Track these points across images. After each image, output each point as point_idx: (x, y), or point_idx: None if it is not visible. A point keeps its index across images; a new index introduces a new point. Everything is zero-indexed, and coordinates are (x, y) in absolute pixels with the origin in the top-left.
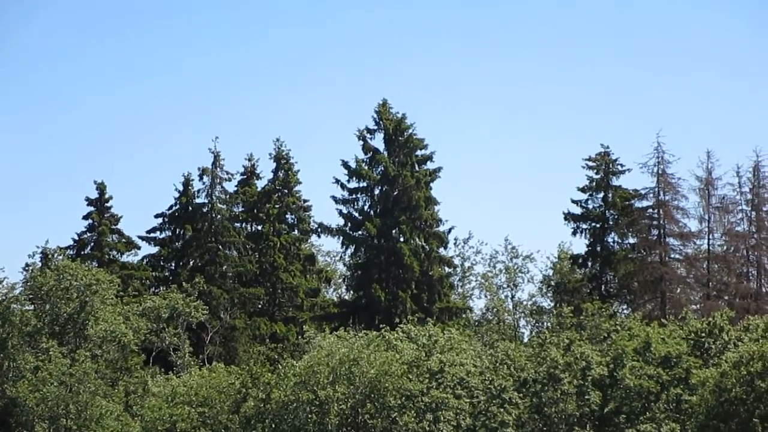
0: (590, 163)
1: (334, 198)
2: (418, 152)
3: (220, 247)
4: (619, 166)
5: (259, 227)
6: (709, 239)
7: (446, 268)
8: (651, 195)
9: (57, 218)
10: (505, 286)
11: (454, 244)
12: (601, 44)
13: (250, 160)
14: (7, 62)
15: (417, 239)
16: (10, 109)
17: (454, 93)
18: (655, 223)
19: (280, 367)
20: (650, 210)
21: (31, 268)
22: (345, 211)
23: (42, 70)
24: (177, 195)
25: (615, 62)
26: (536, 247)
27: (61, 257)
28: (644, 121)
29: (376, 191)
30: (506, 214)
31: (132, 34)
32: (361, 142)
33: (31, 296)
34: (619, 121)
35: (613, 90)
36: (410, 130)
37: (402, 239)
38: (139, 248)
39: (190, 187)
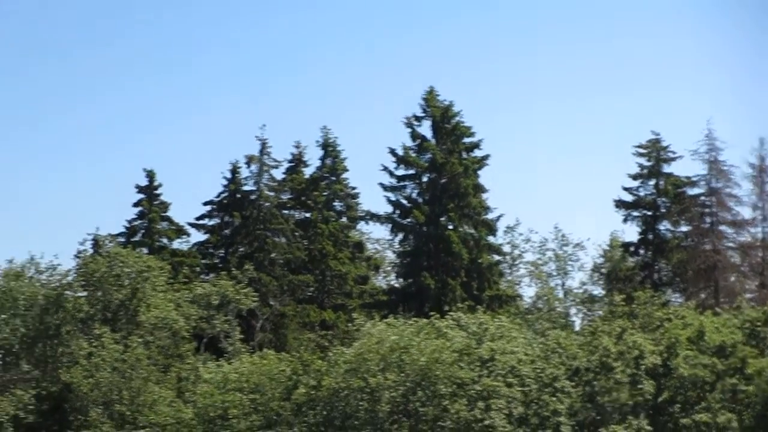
0: (641, 150)
1: (382, 185)
2: (466, 139)
3: (269, 234)
4: (670, 153)
5: (307, 214)
6: (763, 227)
7: (495, 256)
8: (703, 182)
9: (108, 205)
10: (555, 274)
11: (504, 231)
12: (651, 29)
13: (297, 147)
14: (54, 47)
15: (466, 227)
16: (59, 95)
17: (502, 79)
18: (707, 210)
19: (331, 354)
20: (702, 197)
21: (82, 255)
22: (393, 198)
23: (92, 56)
24: (225, 182)
25: (666, 47)
26: (586, 235)
27: (111, 244)
28: (695, 107)
29: (424, 178)
30: (556, 202)
31: (179, 20)
32: (409, 130)
33: (83, 283)
34: (670, 108)
35: (664, 76)
36: (457, 118)
37: (450, 227)
38: (189, 235)
39: (237, 175)
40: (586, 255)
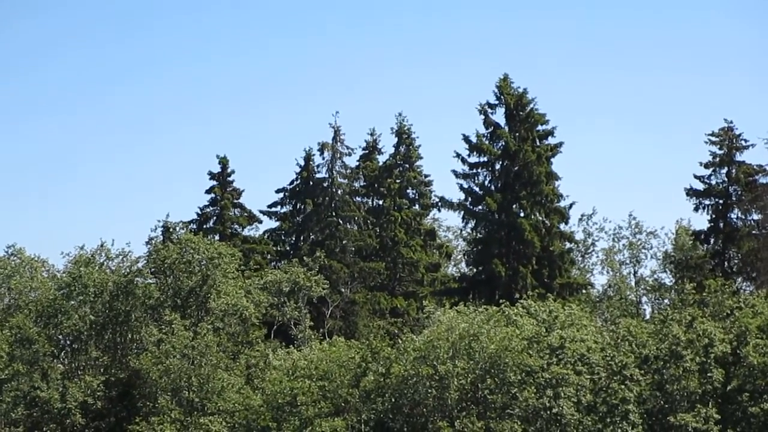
0: (713, 139)
1: (454, 172)
2: (539, 127)
3: (341, 221)
4: (742, 142)
5: (380, 202)
6: None
7: (567, 244)
8: None
9: (181, 192)
10: (627, 262)
11: (579, 220)
12: (725, 17)
13: (372, 134)
14: (126, 36)
15: (538, 214)
16: (130, 80)
17: (575, 67)
18: None
19: (400, 341)
20: None
21: (153, 241)
22: (466, 185)
23: (164, 44)
24: (298, 170)
25: (739, 34)
26: (658, 223)
27: (183, 231)
28: None
29: (497, 166)
30: (628, 191)
31: (253, 7)
32: (482, 117)
33: (154, 270)
34: (743, 96)
35: (737, 64)
36: (531, 105)
37: (522, 214)
38: (260, 222)
39: (311, 162)
40: (660, 244)
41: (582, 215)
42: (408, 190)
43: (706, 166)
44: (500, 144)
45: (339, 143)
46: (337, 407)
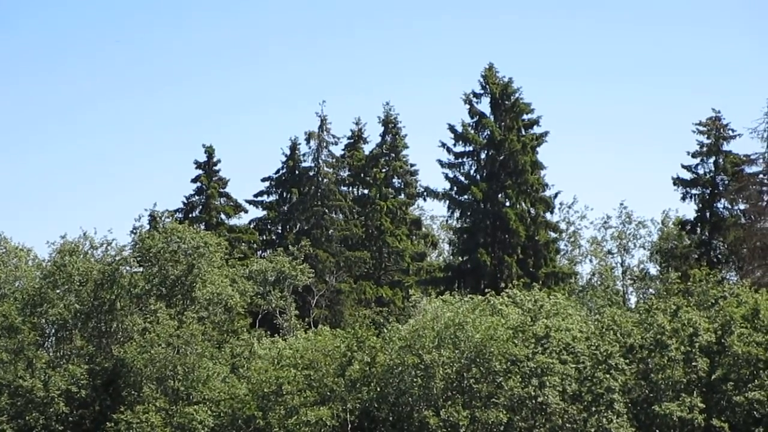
0: (701, 128)
1: (440, 162)
2: (525, 116)
3: (326, 210)
4: (730, 131)
5: (366, 191)
6: None
7: (552, 233)
8: (761, 160)
9: (167, 181)
10: (615, 251)
11: (559, 208)
12: (714, 7)
13: (357, 124)
14: (114, 28)
15: (523, 204)
16: (119, 73)
17: (561, 56)
18: (765, 189)
19: (386, 330)
20: (761, 176)
21: (139, 230)
22: (451, 175)
23: (153, 36)
24: (284, 159)
25: (725, 25)
26: (644, 212)
27: (169, 220)
28: (755, 85)
29: (482, 155)
30: (614, 180)
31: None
32: (468, 107)
33: (139, 258)
34: (730, 85)
35: (725, 53)
36: (516, 95)
37: (508, 204)
38: (246, 212)
39: (297, 151)
40: (649, 234)
41: (561, 204)
42: (394, 180)
43: (694, 155)
44: (485, 133)
45: (325, 132)
46: (322, 396)
